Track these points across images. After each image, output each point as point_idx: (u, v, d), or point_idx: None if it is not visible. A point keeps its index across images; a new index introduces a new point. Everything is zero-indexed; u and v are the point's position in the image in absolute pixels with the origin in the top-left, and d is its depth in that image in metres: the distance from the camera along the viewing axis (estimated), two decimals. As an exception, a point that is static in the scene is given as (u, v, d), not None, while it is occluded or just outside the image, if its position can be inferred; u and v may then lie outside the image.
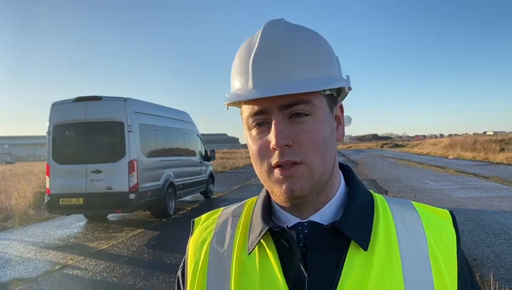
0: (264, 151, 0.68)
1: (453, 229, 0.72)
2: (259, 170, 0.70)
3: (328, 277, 0.65)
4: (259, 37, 0.68)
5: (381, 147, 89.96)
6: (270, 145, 0.66)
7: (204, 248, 0.77)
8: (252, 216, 0.76)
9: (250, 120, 0.69)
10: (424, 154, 40.37)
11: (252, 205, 0.79)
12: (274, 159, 0.67)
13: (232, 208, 0.83)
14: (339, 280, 0.64)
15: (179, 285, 0.81)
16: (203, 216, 0.84)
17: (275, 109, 0.66)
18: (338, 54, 0.75)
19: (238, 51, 0.72)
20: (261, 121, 0.68)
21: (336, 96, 0.73)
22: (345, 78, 0.74)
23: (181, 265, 0.81)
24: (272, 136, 0.66)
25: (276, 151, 0.66)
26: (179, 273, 0.81)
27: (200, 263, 0.76)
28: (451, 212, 0.75)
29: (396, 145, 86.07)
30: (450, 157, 32.13)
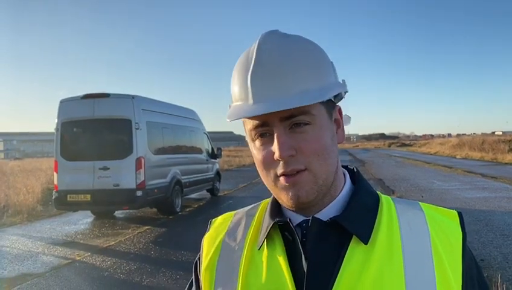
0: (269, 162, 0.70)
1: (459, 228, 0.73)
2: (266, 179, 0.73)
3: (328, 269, 0.68)
4: (255, 51, 0.69)
5: (389, 146, 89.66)
6: (274, 156, 0.69)
7: (217, 241, 0.82)
8: (264, 216, 0.80)
9: (253, 132, 0.72)
10: (431, 154, 40.14)
11: (265, 205, 0.83)
12: (279, 169, 0.69)
13: (247, 207, 0.87)
14: (338, 271, 0.67)
15: (196, 273, 0.85)
16: (220, 217, 0.89)
17: (276, 121, 0.68)
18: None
19: (235, 66, 0.74)
20: (263, 132, 0.71)
21: (333, 100, 0.74)
22: (341, 82, 0.76)
23: (197, 256, 0.85)
24: (275, 148, 0.68)
25: (281, 162, 0.69)
26: (195, 263, 0.86)
27: (211, 255, 0.80)
28: (458, 213, 0.76)
29: (404, 145, 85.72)
30: (458, 157, 31.92)
